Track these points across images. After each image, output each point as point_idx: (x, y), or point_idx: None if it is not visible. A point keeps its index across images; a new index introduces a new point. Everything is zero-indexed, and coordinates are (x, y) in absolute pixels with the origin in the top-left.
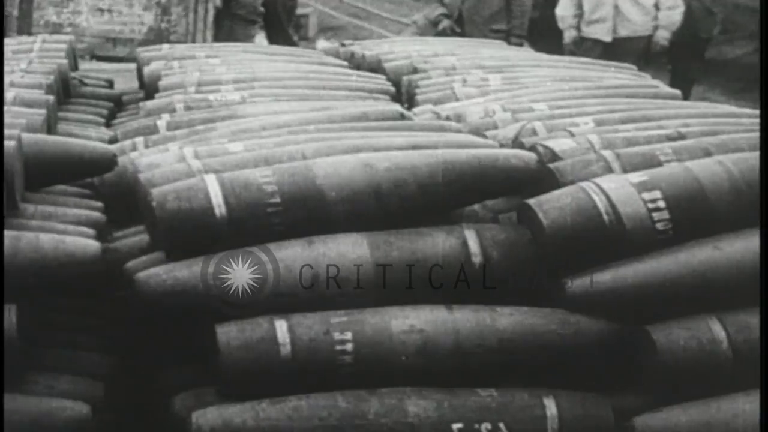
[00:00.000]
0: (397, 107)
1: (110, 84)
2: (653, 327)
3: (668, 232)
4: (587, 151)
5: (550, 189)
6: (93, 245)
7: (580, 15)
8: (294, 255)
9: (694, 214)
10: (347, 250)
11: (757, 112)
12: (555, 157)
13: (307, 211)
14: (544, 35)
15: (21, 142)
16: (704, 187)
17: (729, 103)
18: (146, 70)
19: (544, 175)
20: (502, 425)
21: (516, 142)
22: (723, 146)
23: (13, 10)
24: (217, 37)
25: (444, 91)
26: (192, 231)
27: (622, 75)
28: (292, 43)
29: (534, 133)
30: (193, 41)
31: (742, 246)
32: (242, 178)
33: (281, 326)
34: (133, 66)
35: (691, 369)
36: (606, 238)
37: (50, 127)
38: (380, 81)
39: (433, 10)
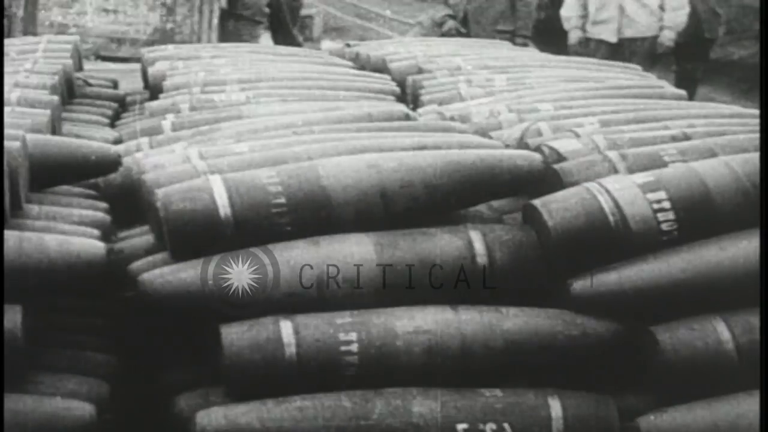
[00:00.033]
0: (402, 108)
1: (115, 84)
2: (658, 327)
3: (673, 232)
4: (592, 152)
5: (556, 190)
6: (98, 246)
7: (585, 16)
8: (299, 256)
9: (699, 215)
10: (353, 250)
11: None
12: (560, 157)
13: (312, 212)
14: (549, 36)
15: (25, 143)
16: (709, 187)
17: (734, 103)
18: (151, 70)
19: (549, 176)
20: (507, 426)
21: (521, 143)
22: (728, 147)
23: (18, 11)
24: (222, 38)
25: (449, 91)
26: (197, 232)
27: (627, 76)
28: (297, 44)
29: (539, 133)
30: (198, 41)
31: (747, 247)
32: (247, 179)
33: (286, 327)
34: (137, 66)
35: (696, 369)
36: (611, 238)
37: (55, 128)
38: (385, 81)
39: (438, 10)
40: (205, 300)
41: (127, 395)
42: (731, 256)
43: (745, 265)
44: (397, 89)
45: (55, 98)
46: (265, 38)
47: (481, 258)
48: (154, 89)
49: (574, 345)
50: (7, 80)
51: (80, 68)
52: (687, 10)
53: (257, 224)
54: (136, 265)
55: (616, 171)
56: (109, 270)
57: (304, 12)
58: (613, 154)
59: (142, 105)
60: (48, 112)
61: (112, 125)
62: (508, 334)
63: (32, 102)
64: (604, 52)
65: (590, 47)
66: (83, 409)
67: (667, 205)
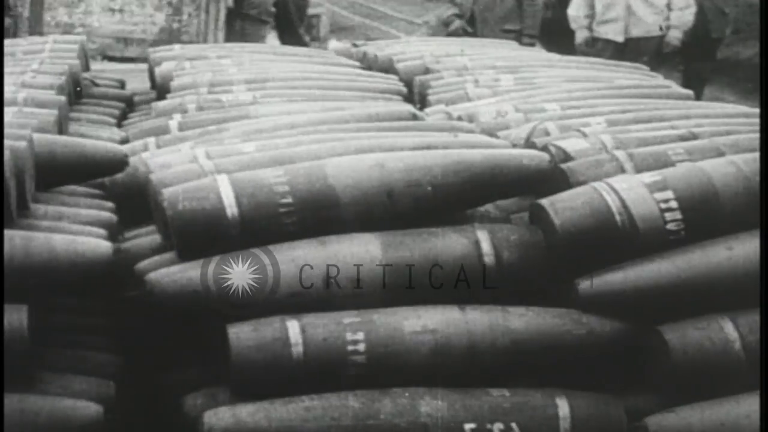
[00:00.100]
0: (409, 107)
1: (122, 84)
2: (665, 327)
3: (680, 232)
4: (599, 152)
5: (563, 189)
6: (104, 245)
7: (592, 15)
8: (306, 255)
9: (706, 215)
10: (359, 250)
11: None
12: (567, 157)
13: (319, 212)
14: (556, 35)
15: (32, 143)
16: (716, 187)
17: (741, 103)
18: (158, 70)
19: (556, 176)
20: (514, 425)
21: (528, 143)
22: (735, 146)
23: (24, 11)
24: (229, 38)
25: (456, 91)
26: (204, 231)
27: (634, 75)
28: (304, 44)
29: (546, 133)
30: (205, 41)
31: (754, 246)
32: (254, 179)
33: (293, 326)
34: (144, 66)
35: (703, 369)
36: (618, 238)
37: (61, 128)
38: (392, 81)
39: (445, 10)
40: (211, 300)
41: (134, 395)
42: (738, 256)
43: (752, 265)
44: (404, 89)
45: (62, 98)
46: (272, 38)
47: (488, 257)
48: (161, 89)
49: (581, 344)
50: (14, 80)
51: (87, 68)
52: (694, 9)
53: (264, 224)
54: (143, 264)
55: (623, 170)
56: (116, 270)
57: (310, 11)
58: (620, 154)
59: (149, 105)
60: (55, 112)
61: (119, 125)
62: (515, 333)
63: (39, 102)
64: (610, 52)
65: (597, 47)
66: (90, 408)
67: (674, 204)
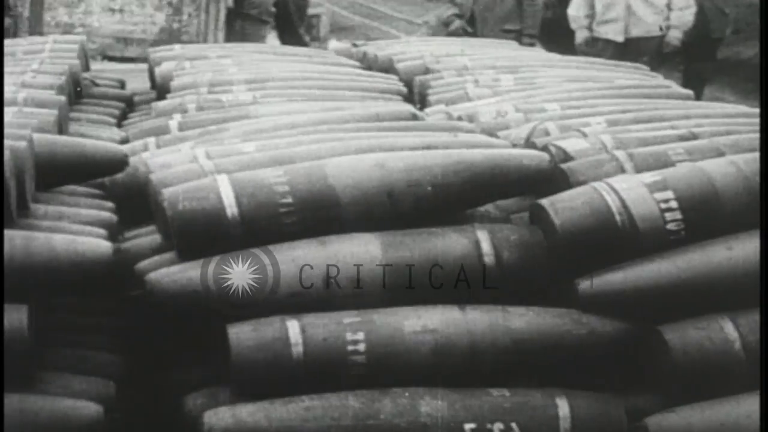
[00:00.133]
0: (409, 107)
1: (122, 84)
2: (665, 327)
3: (680, 232)
4: (600, 152)
5: (563, 189)
6: (104, 245)
7: (592, 15)
8: (306, 255)
9: (706, 215)
10: (360, 250)
11: None
12: (567, 157)
13: (319, 212)
14: (556, 35)
15: (32, 143)
16: (717, 187)
17: (741, 103)
18: (158, 70)
19: (556, 176)
20: (514, 425)
21: (528, 143)
22: (735, 146)
23: (24, 11)
24: (229, 38)
25: (456, 91)
26: (204, 231)
27: (634, 75)
28: (304, 44)
29: (546, 133)
30: (205, 41)
31: (754, 246)
32: (254, 179)
33: (293, 326)
34: (144, 66)
35: (703, 369)
36: (618, 238)
37: (62, 128)
38: (392, 81)
39: (445, 10)
40: (211, 300)
41: (134, 395)
42: (738, 256)
43: (752, 265)
44: (404, 89)
45: (62, 98)
46: (272, 38)
47: (489, 257)
48: (161, 89)
49: (581, 344)
50: (14, 80)
51: (87, 68)
52: (694, 9)
53: (264, 224)
54: (143, 264)
55: (623, 170)
56: (116, 270)
57: (310, 11)
58: (620, 154)
59: (149, 105)
60: (55, 112)
61: (119, 125)
62: (515, 333)
63: (39, 102)
64: (611, 52)
65: (597, 47)
66: (90, 408)
67: (674, 204)
